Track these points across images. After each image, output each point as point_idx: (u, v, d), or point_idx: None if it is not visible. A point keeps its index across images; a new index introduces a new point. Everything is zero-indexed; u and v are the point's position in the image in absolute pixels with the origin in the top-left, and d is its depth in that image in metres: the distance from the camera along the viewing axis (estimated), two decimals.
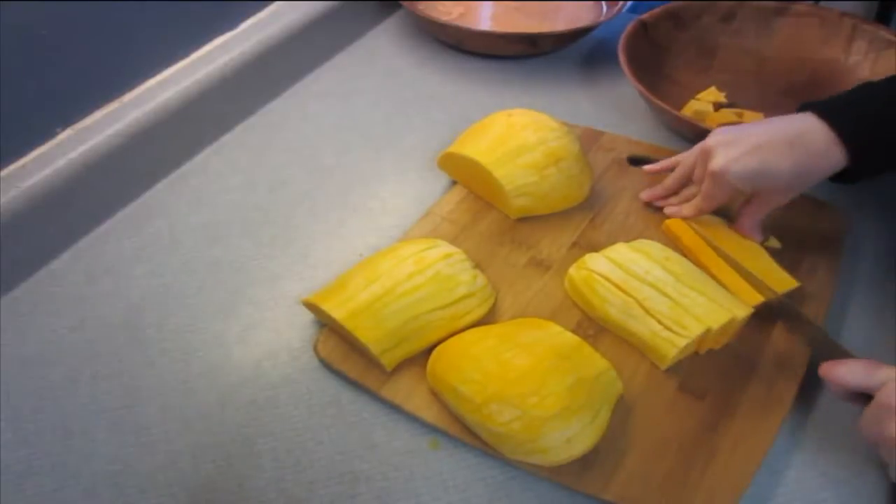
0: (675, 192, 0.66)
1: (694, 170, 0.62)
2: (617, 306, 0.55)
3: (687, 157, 0.64)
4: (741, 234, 0.62)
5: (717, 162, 0.57)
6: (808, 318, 0.55)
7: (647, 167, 0.68)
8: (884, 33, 0.77)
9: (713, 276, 0.59)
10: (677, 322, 0.53)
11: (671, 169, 0.66)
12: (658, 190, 0.67)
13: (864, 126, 0.54)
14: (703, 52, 0.85)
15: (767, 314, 0.57)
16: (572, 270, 0.59)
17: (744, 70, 0.84)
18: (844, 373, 0.46)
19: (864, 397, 0.46)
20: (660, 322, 0.53)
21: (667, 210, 0.66)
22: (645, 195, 0.68)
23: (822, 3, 0.85)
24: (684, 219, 0.64)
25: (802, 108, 0.57)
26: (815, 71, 0.81)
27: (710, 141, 0.59)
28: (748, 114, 0.78)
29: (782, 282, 0.58)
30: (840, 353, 0.50)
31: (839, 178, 0.57)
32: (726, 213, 0.64)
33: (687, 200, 0.65)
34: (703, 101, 0.80)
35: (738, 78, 0.84)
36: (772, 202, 0.60)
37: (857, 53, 0.79)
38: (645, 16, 0.82)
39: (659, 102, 0.71)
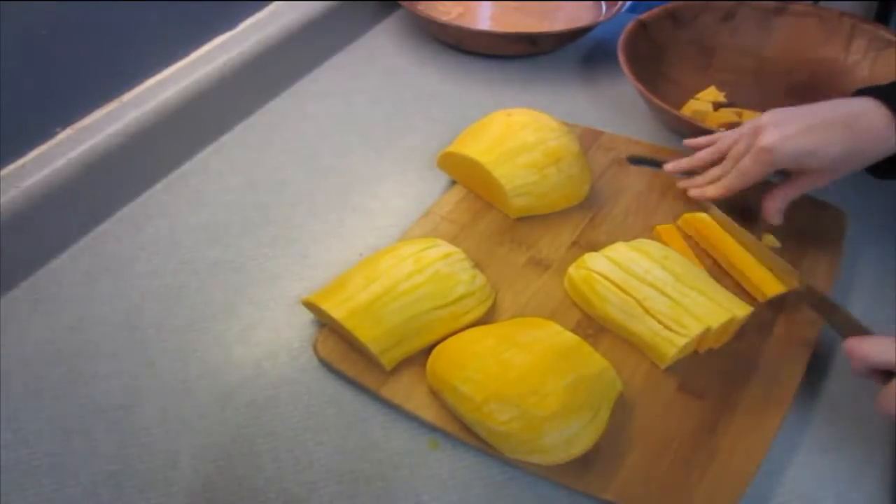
0: (702, 168, 0.65)
1: (730, 149, 0.61)
2: (616, 305, 0.55)
3: (728, 135, 0.62)
4: (763, 215, 0.61)
5: (769, 137, 0.56)
6: (832, 300, 0.54)
7: (687, 141, 0.67)
8: (883, 33, 0.77)
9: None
10: (677, 321, 0.53)
11: (706, 146, 0.65)
12: (684, 162, 0.66)
13: None
14: (703, 51, 0.85)
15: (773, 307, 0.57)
16: (572, 270, 0.59)
17: (743, 70, 0.84)
18: (869, 349, 0.47)
19: (885, 374, 0.46)
20: (659, 321, 0.53)
21: (691, 192, 0.64)
22: (670, 166, 0.67)
23: (821, 3, 0.85)
24: (709, 199, 0.63)
25: (858, 93, 0.57)
26: (815, 70, 0.82)
27: (763, 118, 0.58)
28: (747, 113, 0.78)
29: (778, 284, 0.58)
30: (865, 333, 0.50)
31: (880, 170, 0.57)
32: (732, 208, 0.64)
33: (712, 182, 0.63)
34: (703, 101, 0.80)
35: (737, 77, 0.84)
36: (811, 184, 0.59)
37: (857, 53, 0.79)
38: (644, 15, 0.82)
39: (658, 102, 0.71)
